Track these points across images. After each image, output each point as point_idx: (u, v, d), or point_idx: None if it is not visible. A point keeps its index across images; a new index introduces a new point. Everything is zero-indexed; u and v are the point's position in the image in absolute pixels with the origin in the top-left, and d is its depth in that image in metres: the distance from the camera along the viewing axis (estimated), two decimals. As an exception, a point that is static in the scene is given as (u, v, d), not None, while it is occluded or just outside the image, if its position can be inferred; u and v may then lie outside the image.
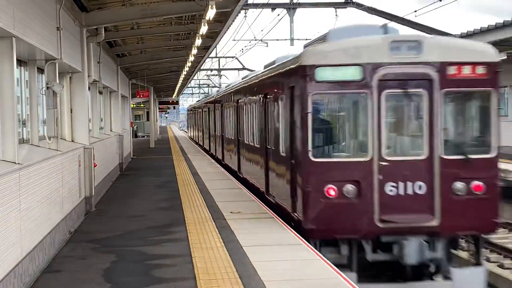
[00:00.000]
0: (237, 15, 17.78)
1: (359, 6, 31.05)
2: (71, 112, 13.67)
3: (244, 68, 63.39)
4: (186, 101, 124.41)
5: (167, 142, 45.35)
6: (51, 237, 9.46)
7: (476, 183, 9.27)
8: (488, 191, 9.29)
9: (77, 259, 9.17)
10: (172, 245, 9.77)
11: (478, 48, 9.66)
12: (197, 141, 38.77)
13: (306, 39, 34.73)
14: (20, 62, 9.83)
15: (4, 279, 6.86)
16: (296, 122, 9.67)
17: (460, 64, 9.25)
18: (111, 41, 20.53)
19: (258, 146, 13.97)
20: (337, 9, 31.40)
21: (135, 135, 50.29)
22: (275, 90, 11.65)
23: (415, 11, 24.33)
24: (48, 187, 9.45)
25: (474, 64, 9.28)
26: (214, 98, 26.56)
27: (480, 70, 9.29)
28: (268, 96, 12.49)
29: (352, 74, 9.13)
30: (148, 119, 55.82)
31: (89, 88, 15.62)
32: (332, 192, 9.14)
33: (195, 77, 69.25)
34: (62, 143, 11.68)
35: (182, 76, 37.58)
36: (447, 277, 9.24)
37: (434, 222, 9.13)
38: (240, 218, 11.80)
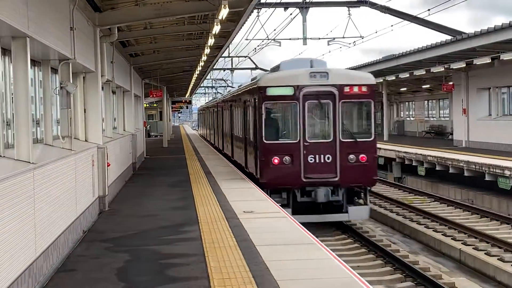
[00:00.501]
0: (250, 15, 17.74)
1: (373, 5, 30.93)
2: (85, 111, 13.71)
3: (256, 68, 63.31)
4: (199, 101, 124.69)
5: (180, 141, 45.42)
6: (65, 236, 9.50)
7: (361, 155, 15.82)
8: (369, 160, 15.84)
9: (91, 258, 9.20)
10: (185, 244, 9.79)
11: (362, 75, 16.73)
12: (205, 137, 47.23)
13: (319, 38, 34.70)
14: (34, 62, 9.89)
15: (18, 277, 6.90)
16: (256, 120, 16.41)
17: (351, 85, 15.93)
18: (124, 41, 20.59)
19: (241, 136, 20.58)
20: (350, 8, 31.31)
21: (148, 134, 50.40)
22: (247, 100, 18.49)
23: (429, 10, 24.41)
24: (62, 186, 9.49)
25: (359, 85, 15.95)
26: (216, 102, 35.21)
27: (364, 88, 15.93)
28: (245, 103, 19.02)
29: (287, 91, 15.87)
30: (161, 119, 55.98)
31: (102, 88, 15.67)
32: (276, 161, 15.82)
33: (208, 76, 69.34)
34: (75, 142, 11.73)
35: (195, 76, 37.60)
36: (345, 212, 15.99)
37: (336, 179, 15.76)
38: (253, 217, 11.80)
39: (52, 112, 10.60)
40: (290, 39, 35.76)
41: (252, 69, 69.16)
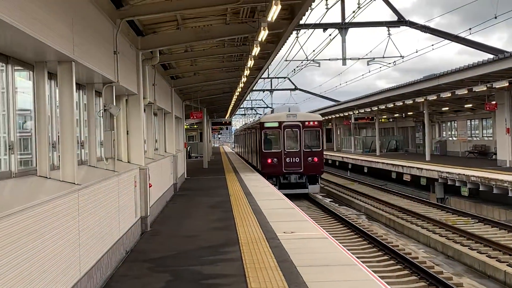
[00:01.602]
0: (289, 36, 17.88)
1: (413, 24, 30.71)
2: (127, 133, 13.92)
3: (296, 89, 63.19)
4: (239, 122, 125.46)
5: (220, 162, 45.68)
6: (108, 257, 9.63)
7: (315, 158, 29.79)
8: (319, 161, 29.93)
9: (133, 278, 9.30)
10: (226, 264, 9.82)
11: (315, 115, 31.35)
12: (239, 154, 59.92)
13: (359, 59, 34.60)
14: (78, 86, 10.10)
15: (63, 297, 7.02)
16: (260, 141, 30.72)
17: (309, 121, 30.20)
18: (165, 63, 20.91)
19: (256, 151, 34.20)
20: (390, 28, 31.13)
21: (189, 155, 50.77)
22: (257, 128, 32.59)
23: (470, 29, 24.10)
24: (106, 207, 9.64)
25: (313, 121, 30.31)
26: (245, 127, 51.51)
27: (316, 122, 30.31)
28: (259, 130, 31.44)
29: (275, 124, 30.16)
30: (201, 140, 56.40)
31: (144, 110, 15.91)
32: (269, 161, 29.90)
33: (248, 97, 69.53)
34: (118, 164, 11.91)
35: (235, 97, 37.85)
36: (306, 188, 29.57)
37: (301, 170, 29.56)
38: (293, 238, 11.77)
39: (96, 134, 10.80)
40: (329, 59, 35.78)
41: (291, 90, 69.45)
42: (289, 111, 31.26)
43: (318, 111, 63.17)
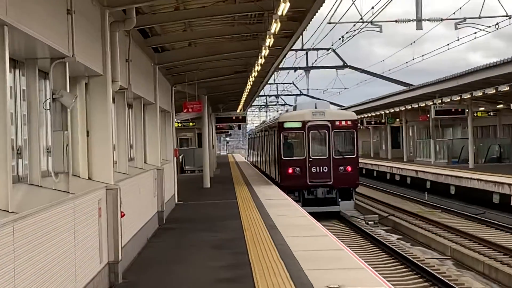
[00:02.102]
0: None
1: None
2: (88, 135, 13.92)
3: (345, 66, 63.81)
4: (257, 118, 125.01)
5: (229, 178, 45.59)
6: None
7: (347, 167, 34.61)
8: (353, 170, 34.95)
9: None
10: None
11: (348, 113, 37.98)
12: (257, 165, 64.19)
13: (442, 20, 34.44)
14: (14, 63, 10.09)
15: None
16: (279, 145, 36.28)
17: (341, 120, 35.16)
18: (145, 28, 20.92)
19: (273, 158, 40.18)
20: None
21: (181, 169, 50.76)
22: (274, 129, 38.09)
23: None
24: (54, 247, 9.62)
25: (346, 120, 35.26)
26: (261, 128, 56.01)
27: (349, 122, 35.23)
28: (277, 132, 36.23)
29: (297, 124, 35.26)
30: (200, 145, 56.40)
31: (113, 99, 15.90)
32: (291, 171, 34.90)
33: (271, 80, 69.40)
34: (74, 181, 11.89)
35: (252, 80, 37.78)
36: (337, 204, 35.05)
37: (331, 182, 34.57)
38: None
39: (41, 136, 10.78)
40: (396, 21, 35.73)
41: (338, 67, 69.43)
42: (315, 108, 36.10)
43: (376, 101, 63.08)
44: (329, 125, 34.57)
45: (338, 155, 34.43)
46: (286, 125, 35.31)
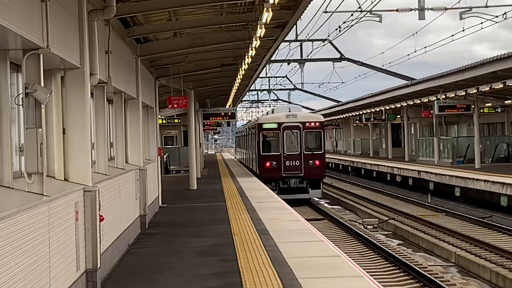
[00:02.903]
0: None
1: None
2: (64, 132, 13.89)
3: (342, 58, 64.13)
4: (247, 114, 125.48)
5: (217, 178, 45.85)
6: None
7: (316, 161, 45.91)
8: (320, 164, 46.40)
9: None
10: None
11: (317, 116, 50.29)
12: (243, 162, 73.60)
13: (446, 9, 34.50)
14: (-17, 54, 10.05)
15: None
16: (258, 143, 47.90)
17: (310, 122, 46.77)
18: (126, 17, 20.89)
19: (254, 154, 51.21)
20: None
21: (166, 169, 50.83)
22: (254, 131, 51.02)
23: None
24: (26, 254, 9.57)
25: (315, 122, 47.04)
26: (245, 127, 68.18)
27: (317, 123, 46.92)
28: (257, 133, 48.14)
29: (274, 125, 46.64)
30: (186, 143, 56.43)
31: (92, 93, 15.85)
32: (268, 164, 45.98)
33: (263, 73, 69.54)
34: (49, 182, 11.86)
35: (241, 73, 37.79)
36: (307, 192, 46.20)
37: (302, 174, 45.74)
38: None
39: (12, 134, 10.74)
40: (397, 10, 35.80)
41: (334, 60, 69.60)
42: (289, 111, 47.58)
43: (376, 96, 63.27)
44: (301, 126, 45.41)
45: (308, 151, 45.29)
46: (265, 126, 46.40)
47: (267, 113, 54.91)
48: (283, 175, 44.50)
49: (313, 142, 45.69)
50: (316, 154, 45.03)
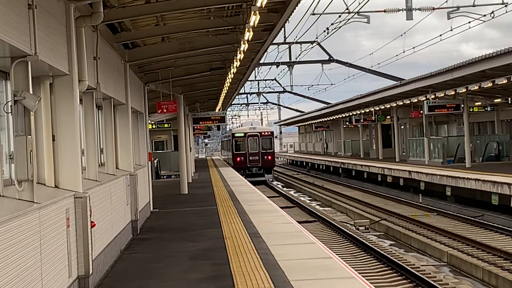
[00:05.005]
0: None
1: None
2: (53, 139, 13.88)
3: (331, 60, 64.16)
4: (239, 118, 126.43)
5: (208, 182, 45.72)
6: None
7: (268, 156, 75.21)
8: (271, 158, 76.05)
9: None
10: None
11: (269, 128, 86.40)
12: (229, 162, 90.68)
13: (434, 9, 34.60)
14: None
15: None
16: (232, 146, 77.71)
17: (264, 132, 77.50)
18: (114, 23, 20.88)
19: (230, 152, 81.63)
20: None
21: (156, 174, 50.76)
22: (230, 138, 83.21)
23: None
24: (17, 262, 9.57)
25: (267, 131, 77.93)
26: (224, 135, 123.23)
27: (269, 133, 77.21)
28: (231, 139, 79.08)
29: (242, 134, 76.51)
30: (176, 148, 56.35)
31: (81, 100, 15.84)
32: (238, 159, 75.14)
33: (251, 77, 69.72)
34: (40, 189, 11.85)
35: (230, 77, 37.79)
36: (263, 176, 75.96)
37: (260, 165, 74.96)
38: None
39: (2, 141, 10.73)
40: (385, 11, 35.88)
41: (323, 61, 69.75)
42: (251, 125, 76.69)
43: (365, 97, 63.56)
44: (259, 134, 72.29)
45: (263, 150, 71.90)
46: (236, 135, 73.62)
47: (237, 127, 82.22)
48: (248, 165, 71.43)
49: (267, 145, 72.86)
50: (268, 152, 72.34)
